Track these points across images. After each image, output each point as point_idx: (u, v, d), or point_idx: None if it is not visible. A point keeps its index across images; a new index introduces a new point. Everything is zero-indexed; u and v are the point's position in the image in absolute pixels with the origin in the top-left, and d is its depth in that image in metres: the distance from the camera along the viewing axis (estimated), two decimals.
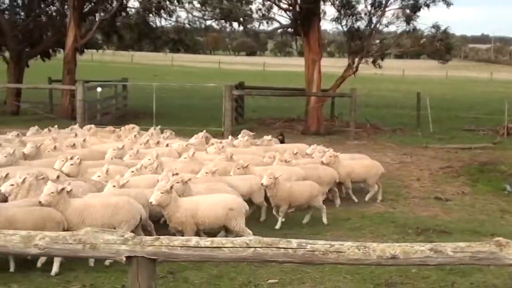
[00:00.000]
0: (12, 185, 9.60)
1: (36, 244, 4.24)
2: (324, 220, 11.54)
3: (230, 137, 16.46)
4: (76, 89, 23.77)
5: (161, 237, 4.27)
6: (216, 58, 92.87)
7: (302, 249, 4.33)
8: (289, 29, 28.03)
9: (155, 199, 9.05)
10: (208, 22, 28.38)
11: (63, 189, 8.65)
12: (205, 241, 4.21)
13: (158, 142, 14.78)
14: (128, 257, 4.23)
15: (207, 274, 8.61)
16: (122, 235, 4.29)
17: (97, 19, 29.90)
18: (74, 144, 14.24)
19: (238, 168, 11.93)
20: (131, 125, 17.45)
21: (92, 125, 17.49)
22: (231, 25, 27.27)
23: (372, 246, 4.57)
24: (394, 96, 44.57)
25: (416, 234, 10.96)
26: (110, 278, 8.42)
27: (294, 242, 4.33)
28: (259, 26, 27.47)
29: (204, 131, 16.34)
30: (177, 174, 10.37)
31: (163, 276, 8.30)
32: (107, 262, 8.63)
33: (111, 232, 4.32)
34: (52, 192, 8.56)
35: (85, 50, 33.26)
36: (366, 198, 13.36)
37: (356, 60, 26.73)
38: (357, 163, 13.75)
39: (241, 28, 27.58)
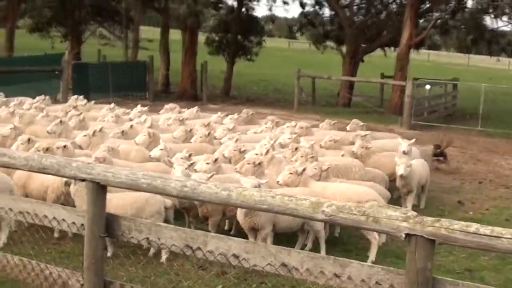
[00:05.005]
0: (257, 154, 9.80)
1: (323, 211, 4.53)
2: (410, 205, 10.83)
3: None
4: (405, 85, 24.09)
5: (441, 219, 4.30)
6: None
7: None
8: None
9: None
10: None
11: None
12: (485, 229, 4.15)
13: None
14: (407, 235, 4.33)
15: (504, 277, 8.33)
16: (405, 213, 4.40)
17: (433, 18, 29.90)
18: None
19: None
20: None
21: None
22: None
23: None
24: None
25: None
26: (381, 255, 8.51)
27: None
28: None
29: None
30: None
31: (459, 272, 8.23)
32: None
33: (395, 209, 4.45)
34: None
35: (420, 50, 33.17)
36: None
37: None
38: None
39: None
